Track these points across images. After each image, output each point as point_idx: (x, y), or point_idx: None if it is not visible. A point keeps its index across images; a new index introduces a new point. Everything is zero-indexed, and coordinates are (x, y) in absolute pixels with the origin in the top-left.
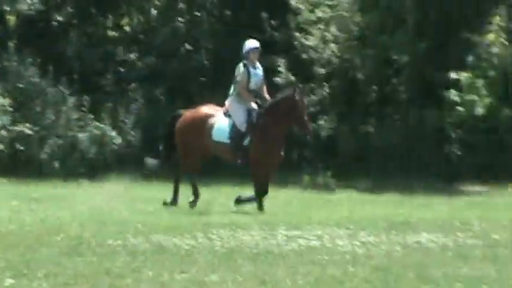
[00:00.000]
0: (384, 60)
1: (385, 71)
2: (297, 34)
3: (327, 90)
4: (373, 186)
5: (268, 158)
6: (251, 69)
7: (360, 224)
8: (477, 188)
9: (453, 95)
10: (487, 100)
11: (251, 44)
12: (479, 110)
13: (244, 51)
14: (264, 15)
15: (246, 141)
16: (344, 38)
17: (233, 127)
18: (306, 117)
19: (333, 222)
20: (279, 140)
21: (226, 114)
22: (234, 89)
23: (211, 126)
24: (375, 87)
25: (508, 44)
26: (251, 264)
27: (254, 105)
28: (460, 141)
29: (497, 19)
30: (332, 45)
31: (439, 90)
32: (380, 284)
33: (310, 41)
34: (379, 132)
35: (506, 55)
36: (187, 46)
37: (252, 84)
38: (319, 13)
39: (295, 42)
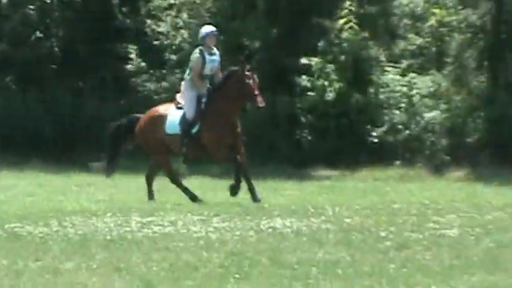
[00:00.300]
0: (236, 45)
1: (237, 57)
2: (148, 21)
3: (179, 77)
4: (224, 171)
5: (223, 140)
6: (207, 56)
7: (214, 210)
8: (328, 172)
9: (304, 80)
10: (338, 85)
11: (207, 29)
12: (330, 95)
13: (200, 36)
14: (115, 1)
15: (195, 130)
16: (195, 24)
17: (183, 117)
18: (256, 92)
19: (186, 208)
20: (231, 119)
21: (178, 106)
22: (188, 74)
23: (165, 121)
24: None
25: (358, 28)
26: (105, 251)
27: (205, 91)
28: (311, 127)
29: (347, 4)
30: (183, 31)
31: (290, 76)
32: (234, 269)
33: (162, 28)
34: None
35: (356, 40)
36: (38, 33)
37: (207, 70)
38: (170, 0)
39: (147, 29)
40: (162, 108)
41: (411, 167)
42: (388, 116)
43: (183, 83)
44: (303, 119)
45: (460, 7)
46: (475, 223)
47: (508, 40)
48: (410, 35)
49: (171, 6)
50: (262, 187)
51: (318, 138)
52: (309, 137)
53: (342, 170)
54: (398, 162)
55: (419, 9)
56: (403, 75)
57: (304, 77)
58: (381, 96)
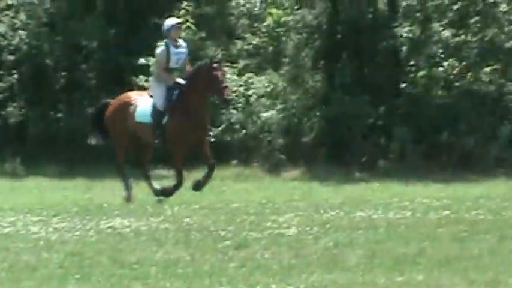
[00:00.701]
0: (73, 46)
1: (74, 57)
2: None
3: (16, 77)
4: (62, 172)
5: (188, 134)
6: (172, 48)
7: (53, 210)
8: (165, 172)
9: (142, 80)
10: None
11: (171, 21)
12: None
13: (164, 29)
14: None
15: (165, 120)
16: (33, 24)
17: (154, 107)
18: (224, 85)
19: (25, 208)
20: (200, 113)
21: (150, 94)
22: (155, 69)
23: (135, 108)
24: (63, 73)
25: (195, 28)
26: None
27: (174, 84)
28: None
29: (185, 4)
30: (21, 32)
31: (128, 76)
32: (74, 269)
33: None
34: (68, 118)
35: (193, 40)
36: None
37: (173, 63)
38: (9, 0)
39: None
40: (133, 95)
41: (247, 167)
42: (225, 115)
43: (151, 78)
44: None
45: (296, 7)
46: (313, 222)
47: (343, 40)
48: (248, 35)
49: (9, 7)
50: (99, 187)
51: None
52: None
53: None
54: (234, 162)
55: (256, 9)
56: (240, 75)
57: (141, 77)
58: None
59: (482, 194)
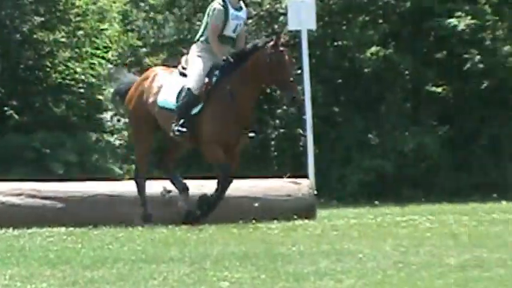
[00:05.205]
0: None
1: None
2: None
3: None
4: None
5: (227, 132)
6: (231, 10)
7: None
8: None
9: None
10: None
11: None
12: None
13: None
14: None
15: (196, 109)
16: None
17: (185, 89)
18: (291, 78)
19: None
20: (247, 107)
21: (181, 71)
22: (202, 35)
23: (159, 89)
24: None
25: None
26: None
27: (221, 61)
28: None
29: None
30: None
31: None
32: None
33: None
34: None
35: None
36: None
37: (229, 30)
38: None
39: None
40: (159, 72)
41: None
42: None
43: (193, 46)
44: None
45: None
46: None
47: None
48: None
49: None
50: None
51: None
52: None
53: None
54: None
55: None
56: None
57: None
58: None
59: None
